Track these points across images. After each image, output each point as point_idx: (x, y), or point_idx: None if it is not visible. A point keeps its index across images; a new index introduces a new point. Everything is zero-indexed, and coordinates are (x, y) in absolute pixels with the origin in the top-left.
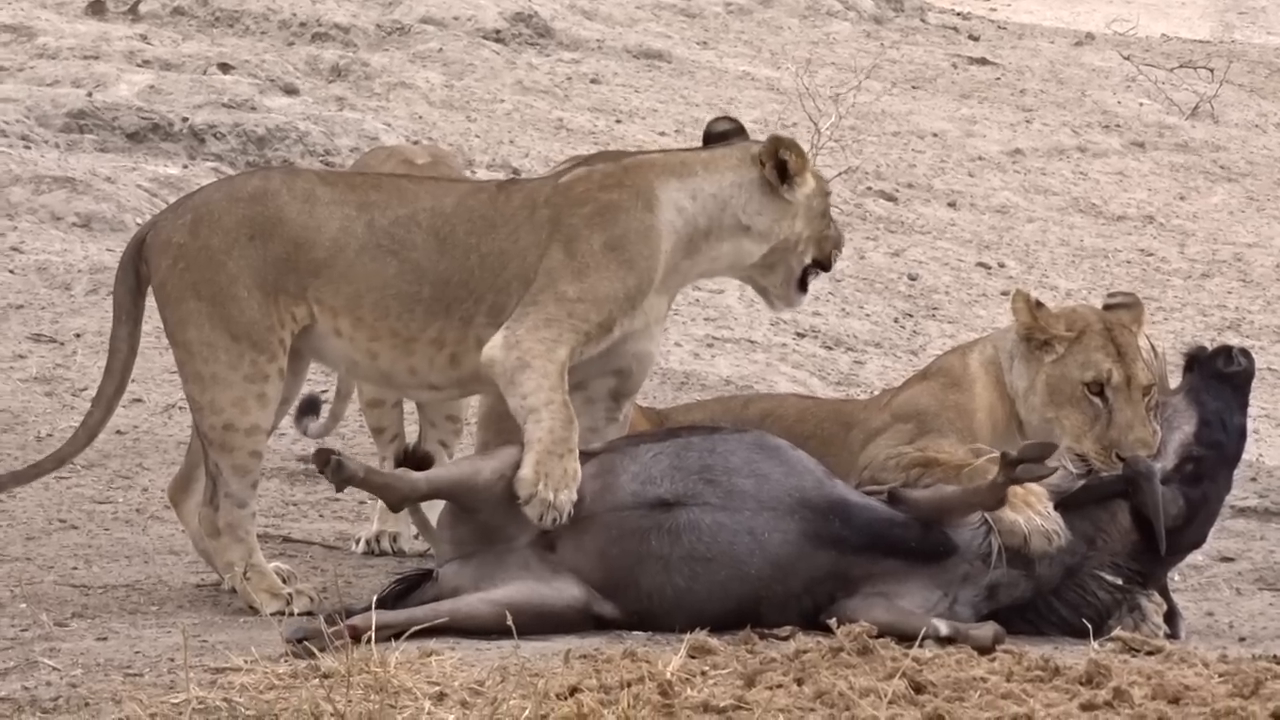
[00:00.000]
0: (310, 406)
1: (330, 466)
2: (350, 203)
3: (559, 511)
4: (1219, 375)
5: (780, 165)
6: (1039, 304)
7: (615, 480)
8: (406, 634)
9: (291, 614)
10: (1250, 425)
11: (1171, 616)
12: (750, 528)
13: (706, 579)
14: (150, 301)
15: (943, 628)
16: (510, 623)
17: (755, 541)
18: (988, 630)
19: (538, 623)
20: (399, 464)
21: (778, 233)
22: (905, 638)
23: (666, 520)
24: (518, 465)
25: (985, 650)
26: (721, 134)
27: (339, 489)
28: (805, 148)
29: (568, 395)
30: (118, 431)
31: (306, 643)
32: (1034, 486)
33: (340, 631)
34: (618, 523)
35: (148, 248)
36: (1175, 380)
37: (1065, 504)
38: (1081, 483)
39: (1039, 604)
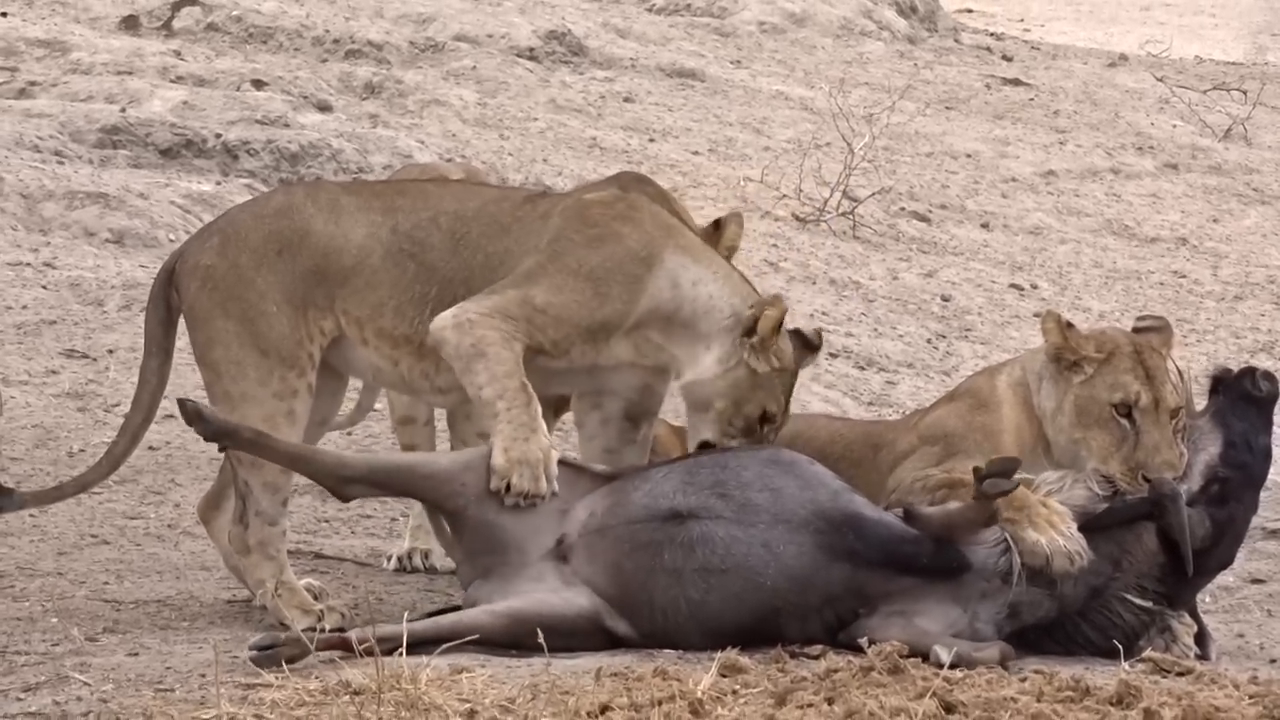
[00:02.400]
0: None
1: (188, 413)
2: (375, 209)
3: (539, 495)
4: (1245, 397)
5: (753, 325)
6: (1069, 325)
7: (627, 497)
8: (403, 648)
9: (323, 630)
10: None
11: (1202, 638)
12: (765, 540)
13: (721, 591)
14: (181, 324)
15: (944, 655)
16: (518, 633)
17: (770, 554)
18: (993, 651)
19: (547, 635)
20: None
21: (729, 372)
22: (921, 658)
23: (679, 533)
24: (486, 456)
25: None
26: None
27: (207, 438)
28: (838, 168)
29: (525, 378)
30: (150, 447)
31: (273, 650)
32: (1057, 507)
33: (370, 649)
34: (630, 536)
35: (177, 276)
36: (1203, 403)
37: (1091, 526)
38: (1106, 505)
39: (1066, 625)
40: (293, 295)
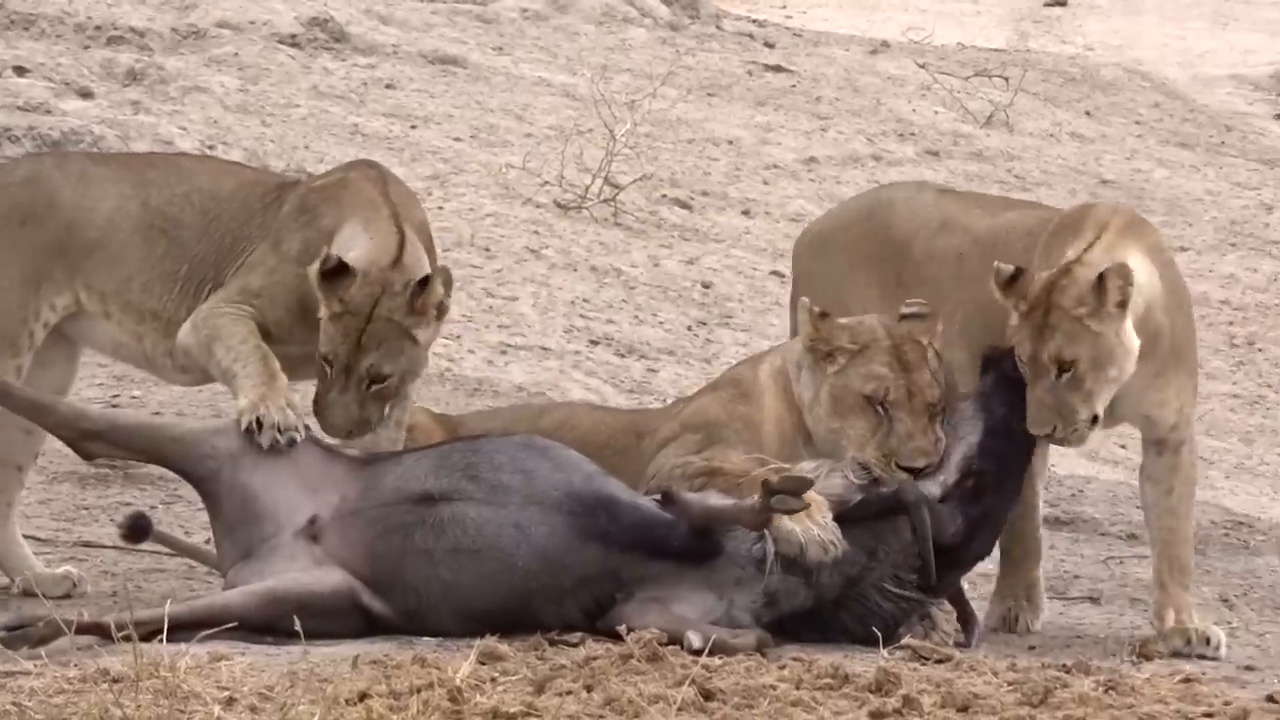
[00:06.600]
0: None
1: None
2: (126, 180)
3: (292, 427)
4: (1008, 379)
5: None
6: (823, 315)
7: (379, 480)
8: (164, 634)
9: None
10: None
11: (967, 623)
12: (516, 521)
13: (473, 571)
14: None
15: (696, 640)
16: (274, 613)
17: (521, 534)
18: (750, 638)
19: (302, 613)
20: (123, 530)
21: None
22: (679, 645)
23: (430, 515)
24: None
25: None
26: None
27: None
28: (600, 155)
29: (261, 343)
30: None
31: (23, 631)
32: (814, 496)
33: (128, 635)
34: (381, 518)
35: None
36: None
37: (847, 516)
38: (862, 495)
39: (824, 613)
40: (27, 269)
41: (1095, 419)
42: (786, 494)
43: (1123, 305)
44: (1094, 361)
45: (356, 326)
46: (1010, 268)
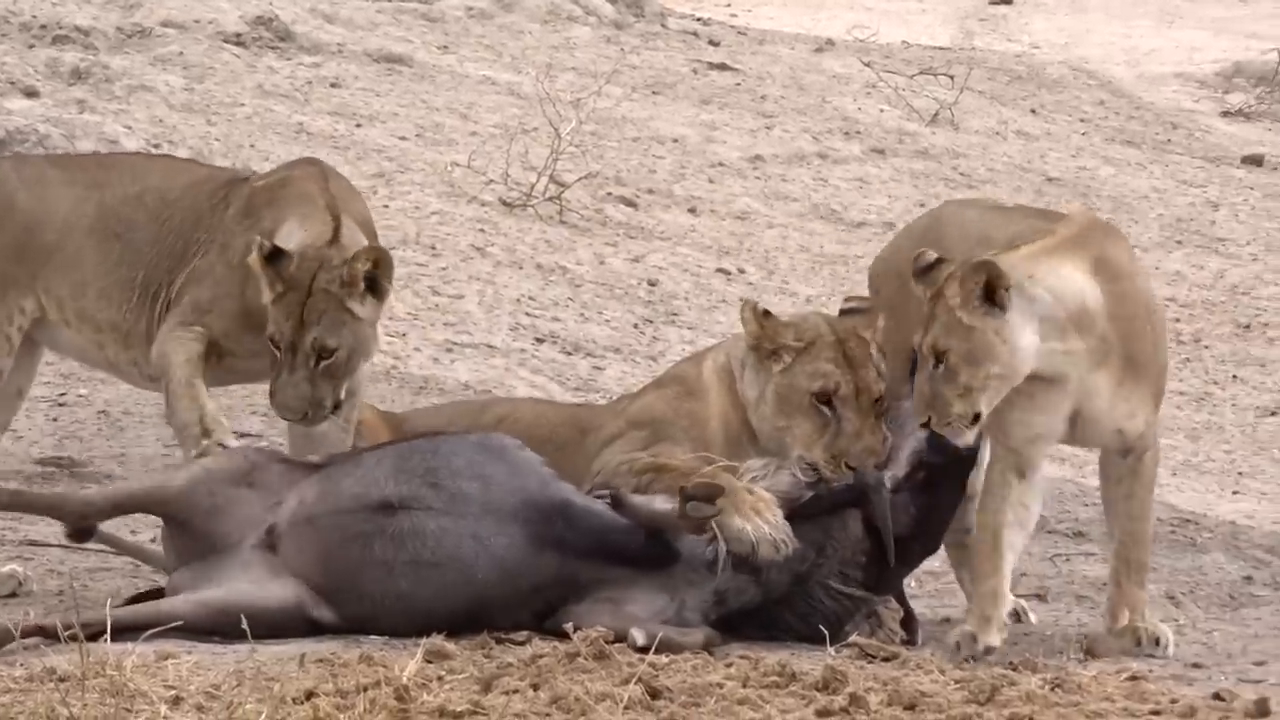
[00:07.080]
0: None
1: None
2: (81, 182)
3: (223, 432)
4: None
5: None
6: (766, 313)
7: (337, 485)
8: (108, 634)
9: None
10: None
11: (909, 622)
12: (475, 532)
13: (433, 583)
14: None
15: (640, 638)
16: (219, 622)
17: (480, 545)
18: (698, 636)
19: (251, 624)
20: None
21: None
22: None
23: (389, 525)
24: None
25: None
26: None
27: None
28: (545, 153)
29: (198, 381)
30: None
31: None
32: (763, 494)
33: (74, 634)
34: (339, 525)
35: None
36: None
37: (796, 513)
38: (811, 492)
39: (770, 611)
40: None
41: (977, 417)
42: (699, 500)
43: (992, 302)
44: (967, 355)
45: (298, 301)
46: (933, 255)
